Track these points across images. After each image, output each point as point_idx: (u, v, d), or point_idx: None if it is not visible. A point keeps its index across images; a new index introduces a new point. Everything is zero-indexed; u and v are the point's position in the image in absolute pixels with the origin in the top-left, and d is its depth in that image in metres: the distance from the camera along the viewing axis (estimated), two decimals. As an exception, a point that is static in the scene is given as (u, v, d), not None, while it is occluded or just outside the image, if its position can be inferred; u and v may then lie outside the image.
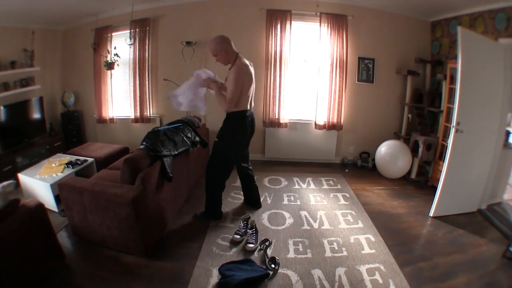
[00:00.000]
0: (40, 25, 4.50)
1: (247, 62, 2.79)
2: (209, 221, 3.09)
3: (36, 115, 4.40)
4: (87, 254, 2.57)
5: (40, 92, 4.55)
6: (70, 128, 4.99)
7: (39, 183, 3.12)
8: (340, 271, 2.45)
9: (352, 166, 5.01)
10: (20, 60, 4.19)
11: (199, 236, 2.84)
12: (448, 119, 3.94)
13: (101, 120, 4.95)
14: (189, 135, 3.38)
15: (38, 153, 4.22)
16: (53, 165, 3.43)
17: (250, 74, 2.77)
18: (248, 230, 2.84)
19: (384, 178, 4.54)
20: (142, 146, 2.82)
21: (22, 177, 3.25)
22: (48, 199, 3.04)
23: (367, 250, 2.76)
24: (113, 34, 4.69)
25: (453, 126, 3.16)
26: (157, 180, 2.68)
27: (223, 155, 2.90)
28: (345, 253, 2.70)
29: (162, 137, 2.97)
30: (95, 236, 2.59)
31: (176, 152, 3.05)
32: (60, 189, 2.59)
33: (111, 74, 4.76)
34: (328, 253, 2.69)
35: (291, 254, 2.65)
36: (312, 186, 4.11)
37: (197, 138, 3.50)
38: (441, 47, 4.52)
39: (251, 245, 2.69)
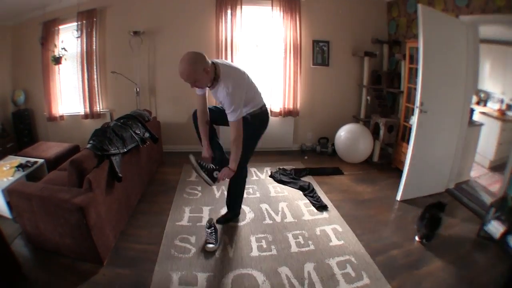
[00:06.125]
0: (-13, 22, 4.54)
1: (229, 65, 2.55)
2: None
3: (-12, 117, 4.46)
4: (43, 263, 2.58)
5: (-9, 92, 4.60)
6: (22, 127, 5.11)
7: (-10, 189, 3.18)
8: (309, 267, 2.49)
9: (311, 153, 5.32)
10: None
11: (156, 238, 2.86)
12: (409, 99, 4.24)
13: (51, 118, 5.08)
14: (137, 131, 3.49)
15: (-8, 156, 4.26)
16: (4, 168, 3.50)
17: (244, 77, 2.54)
18: (207, 229, 2.85)
19: (346, 163, 4.80)
20: (88, 145, 2.85)
21: (-24, 184, 3.30)
22: (0, 205, 3.12)
23: (335, 241, 2.83)
24: (60, 27, 4.83)
25: (417, 107, 3.32)
26: (107, 181, 2.72)
27: None
28: (312, 247, 2.75)
29: (110, 134, 3.04)
30: (49, 244, 2.62)
31: (125, 150, 3.13)
32: (9, 196, 2.65)
33: (59, 69, 4.93)
34: (294, 248, 2.73)
35: (255, 252, 2.68)
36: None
37: (147, 134, 3.66)
38: (398, 27, 4.82)
39: (211, 245, 2.71)
